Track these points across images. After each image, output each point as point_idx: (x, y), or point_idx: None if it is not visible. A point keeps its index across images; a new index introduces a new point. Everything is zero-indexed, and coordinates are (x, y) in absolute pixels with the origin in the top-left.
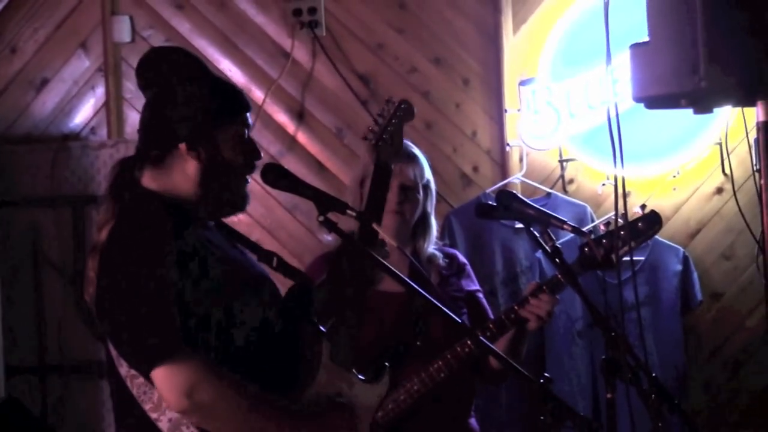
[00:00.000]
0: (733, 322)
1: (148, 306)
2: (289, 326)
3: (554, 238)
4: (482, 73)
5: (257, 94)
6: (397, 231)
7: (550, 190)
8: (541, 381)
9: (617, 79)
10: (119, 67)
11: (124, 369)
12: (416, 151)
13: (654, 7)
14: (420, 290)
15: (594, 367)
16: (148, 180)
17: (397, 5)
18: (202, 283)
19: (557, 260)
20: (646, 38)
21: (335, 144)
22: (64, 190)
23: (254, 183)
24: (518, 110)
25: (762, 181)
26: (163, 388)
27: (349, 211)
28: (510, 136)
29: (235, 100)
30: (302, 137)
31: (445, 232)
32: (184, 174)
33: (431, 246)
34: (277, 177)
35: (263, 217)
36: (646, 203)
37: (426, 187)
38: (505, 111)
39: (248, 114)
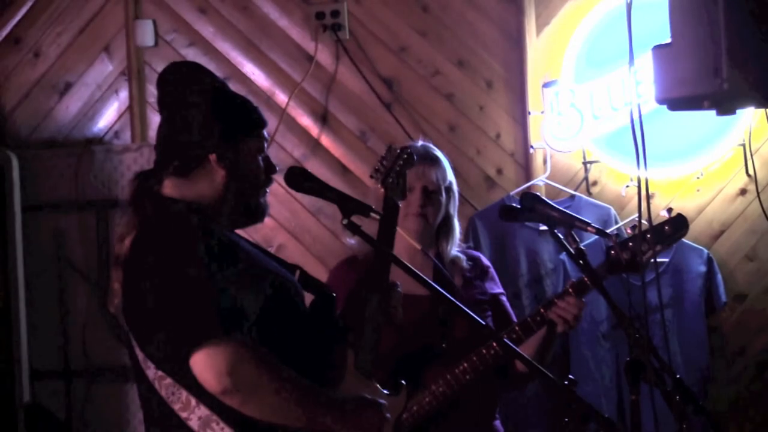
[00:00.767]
0: (757, 323)
1: (183, 294)
2: (315, 335)
3: (578, 240)
4: (505, 75)
5: (281, 97)
6: (420, 234)
7: (574, 192)
8: (566, 383)
9: (640, 81)
10: (142, 71)
11: (151, 371)
12: (438, 153)
13: (676, 9)
14: (444, 293)
15: (618, 369)
16: (170, 189)
17: (420, 8)
18: (231, 276)
19: (582, 262)
20: (669, 40)
21: (359, 147)
22: (88, 194)
23: (278, 187)
24: (542, 112)
25: None
26: (204, 371)
27: (372, 214)
28: (534, 139)
29: (256, 116)
30: (326, 140)
31: (470, 234)
32: (210, 183)
33: (455, 248)
34: (301, 180)
35: (287, 220)
36: (671, 206)
37: (448, 189)
38: (529, 113)
39: (265, 130)
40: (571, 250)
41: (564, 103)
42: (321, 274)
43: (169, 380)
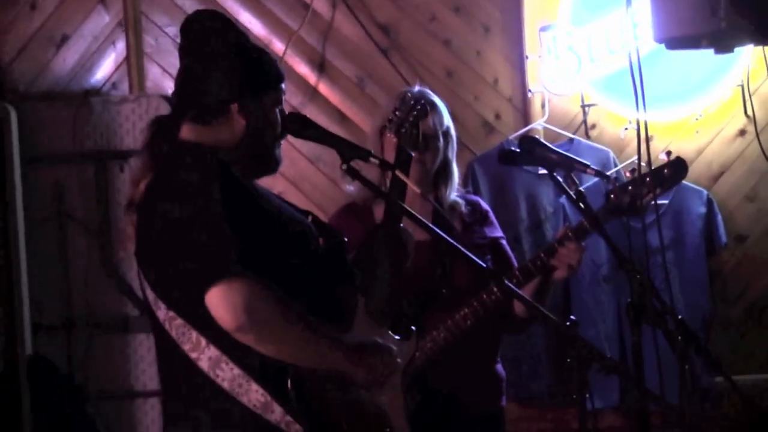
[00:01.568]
0: (757, 264)
1: (199, 232)
2: (327, 279)
3: (578, 183)
4: (502, 20)
5: (278, 45)
6: (418, 179)
7: (572, 136)
8: (567, 324)
9: (638, 23)
10: (139, 22)
11: (162, 312)
12: (435, 98)
13: None
14: (445, 237)
15: (619, 312)
16: (187, 133)
17: None
18: (247, 216)
19: (582, 204)
20: None
21: (357, 94)
22: (87, 146)
23: None
24: (539, 56)
25: None
26: (220, 307)
27: (372, 159)
28: (531, 83)
29: (276, 70)
30: (323, 88)
31: (469, 180)
32: (230, 132)
33: (453, 193)
34: (300, 126)
35: (286, 168)
36: (670, 148)
37: (446, 134)
38: (526, 57)
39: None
40: (571, 192)
41: (561, 47)
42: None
43: (179, 321)
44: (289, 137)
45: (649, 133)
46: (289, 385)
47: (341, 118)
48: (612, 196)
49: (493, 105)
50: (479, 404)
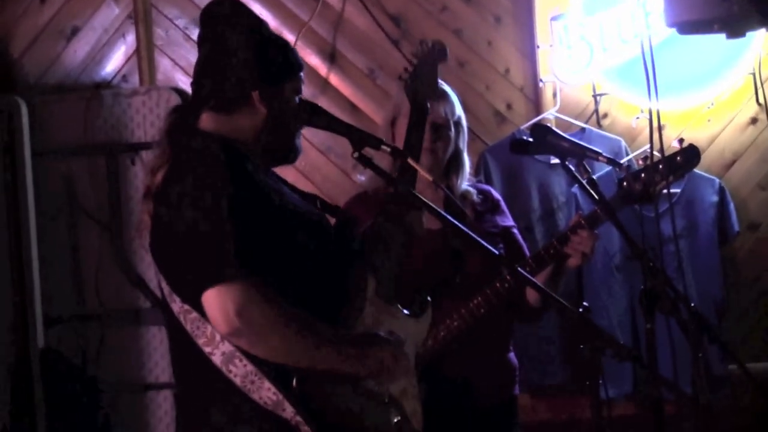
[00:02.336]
0: None
1: (203, 231)
2: (336, 261)
3: (590, 171)
4: (513, 9)
5: (288, 37)
6: (430, 169)
7: (584, 125)
8: (580, 310)
9: (649, 12)
10: (149, 14)
11: (177, 305)
12: (447, 88)
13: None
14: (458, 224)
15: (632, 301)
16: (207, 123)
17: None
18: (255, 212)
19: (594, 192)
20: None
21: (368, 85)
22: (98, 138)
23: None
24: (550, 46)
25: None
26: (214, 309)
27: (383, 147)
28: (543, 72)
29: (295, 58)
30: (334, 79)
31: (481, 170)
32: (250, 120)
33: (465, 183)
34: (312, 114)
35: (298, 160)
36: (682, 136)
37: (457, 124)
38: (538, 47)
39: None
40: (583, 181)
41: (573, 36)
42: None
43: (194, 314)
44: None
45: (661, 122)
46: (294, 383)
47: (352, 109)
48: (624, 183)
49: (505, 95)
50: (492, 393)
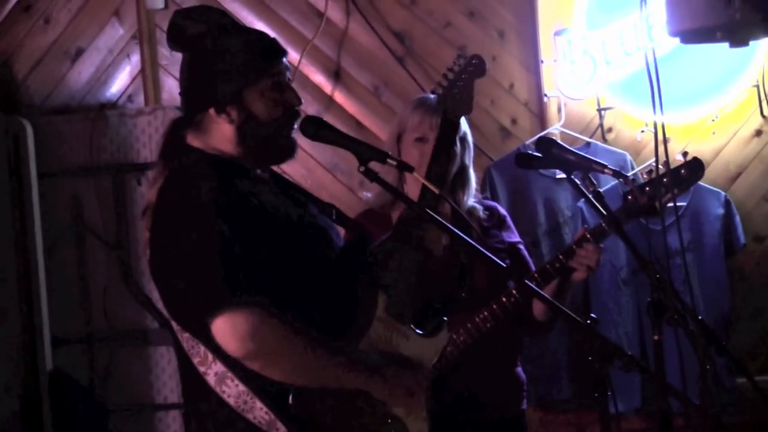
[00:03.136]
0: None
1: (201, 257)
2: (345, 277)
3: (596, 183)
4: (517, 24)
5: (292, 55)
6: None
7: (589, 140)
8: (588, 322)
9: (652, 24)
10: (153, 34)
11: (175, 324)
12: None
13: None
14: (465, 237)
15: (640, 315)
16: (192, 139)
17: None
18: (252, 232)
19: (600, 205)
20: None
21: (373, 102)
22: (104, 159)
23: None
24: (554, 60)
25: None
26: (225, 336)
27: (389, 161)
28: (547, 87)
29: (264, 51)
30: (339, 97)
31: (486, 185)
32: (221, 135)
33: (471, 199)
34: (317, 129)
35: (303, 178)
36: (686, 149)
37: (463, 140)
38: (542, 62)
39: (283, 59)
40: (589, 194)
41: (576, 51)
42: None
43: (187, 334)
44: (305, 144)
45: (666, 135)
46: (290, 400)
47: (358, 126)
48: (629, 197)
49: (510, 110)
50: (500, 407)
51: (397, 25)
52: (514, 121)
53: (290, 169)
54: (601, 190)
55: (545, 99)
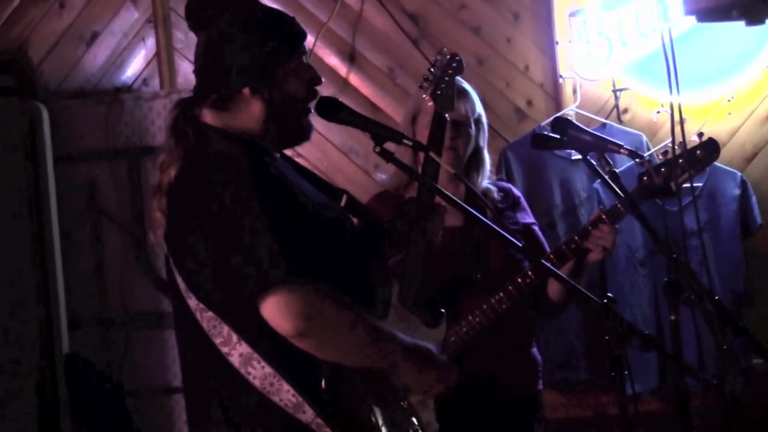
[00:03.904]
0: None
1: (245, 233)
2: (360, 264)
3: (611, 164)
4: (532, 5)
5: (307, 38)
6: (450, 166)
7: (604, 121)
8: (605, 301)
9: (668, 5)
10: (168, 18)
11: (193, 302)
12: (466, 86)
13: None
14: (480, 216)
15: (656, 296)
16: (211, 119)
17: None
18: (292, 211)
19: (616, 185)
20: None
21: (388, 84)
22: (119, 142)
23: None
24: (570, 41)
25: None
26: (278, 313)
27: (405, 141)
28: (562, 69)
29: (291, 32)
30: (354, 79)
31: (502, 167)
32: (249, 114)
33: (485, 180)
34: (333, 110)
35: (319, 161)
36: (702, 130)
37: (477, 121)
38: (557, 43)
39: (305, 41)
40: (605, 175)
41: (592, 32)
42: None
43: (210, 313)
44: (321, 127)
45: (682, 116)
46: (322, 384)
47: (373, 108)
48: (645, 177)
49: (525, 92)
50: (515, 388)
51: (411, 7)
52: (529, 103)
53: (307, 152)
54: (617, 171)
55: (560, 80)
